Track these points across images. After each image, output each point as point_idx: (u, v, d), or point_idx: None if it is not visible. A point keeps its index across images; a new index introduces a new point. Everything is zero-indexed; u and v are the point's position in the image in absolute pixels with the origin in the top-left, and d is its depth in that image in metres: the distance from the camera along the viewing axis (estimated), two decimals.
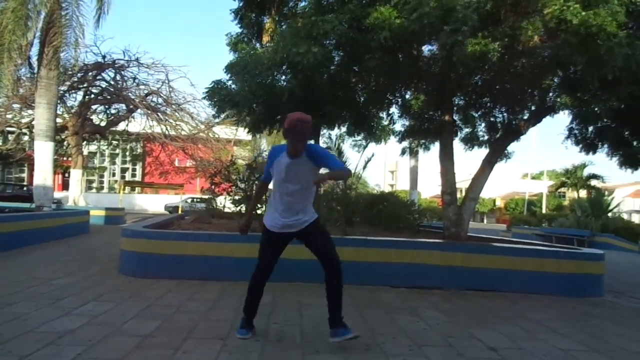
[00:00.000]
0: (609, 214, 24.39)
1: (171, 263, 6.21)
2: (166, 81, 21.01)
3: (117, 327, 3.84)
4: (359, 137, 10.91)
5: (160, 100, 21.44)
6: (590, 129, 8.74)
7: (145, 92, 21.00)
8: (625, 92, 6.26)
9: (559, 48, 5.91)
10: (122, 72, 20.61)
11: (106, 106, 21.85)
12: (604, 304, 6.35)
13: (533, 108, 8.76)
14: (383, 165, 67.51)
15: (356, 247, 6.43)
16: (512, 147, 9.79)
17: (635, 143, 8.39)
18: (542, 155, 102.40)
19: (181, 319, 4.23)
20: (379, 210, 10.53)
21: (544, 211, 40.83)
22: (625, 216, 34.44)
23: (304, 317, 4.48)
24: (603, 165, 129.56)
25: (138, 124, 22.45)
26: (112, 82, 20.62)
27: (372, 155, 10.06)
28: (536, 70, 7.20)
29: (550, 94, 8.13)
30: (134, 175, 40.88)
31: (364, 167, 12.36)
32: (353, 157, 23.35)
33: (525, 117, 8.82)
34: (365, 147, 11.55)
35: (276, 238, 3.71)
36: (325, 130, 10.32)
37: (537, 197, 48.14)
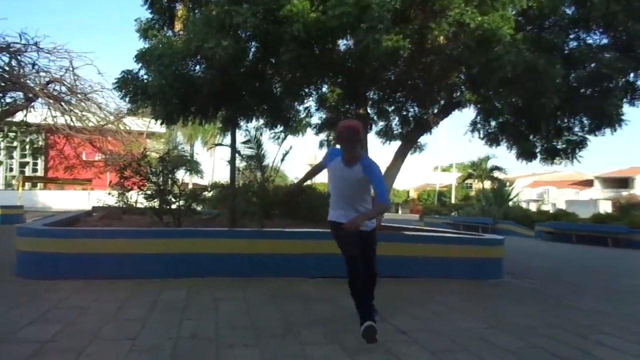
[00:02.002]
0: (510, 203, 26.40)
1: (77, 262, 5.81)
2: (70, 68, 19.53)
3: (11, 334, 3.53)
4: (277, 130, 10.87)
5: (64, 89, 19.91)
6: (493, 123, 9.37)
7: (47, 79, 19.40)
8: (522, 90, 6.78)
9: (460, 49, 6.27)
10: (19, 57, 18.87)
11: (0, 94, 19.94)
12: (503, 285, 6.86)
13: (442, 103, 9.22)
14: (302, 158, 67.88)
15: (273, 239, 6.43)
16: (424, 140, 10.27)
17: (531, 137, 9.10)
18: (452, 149, 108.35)
19: (87, 321, 3.99)
20: (297, 202, 10.57)
21: (453, 201, 43.24)
22: (524, 205, 37.35)
23: (219, 312, 4.40)
24: (505, 158, 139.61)
25: (39, 114, 20.70)
26: (6, 68, 18.82)
27: (290, 148, 10.03)
28: (443, 68, 7.57)
29: (457, 90, 8.60)
30: (35, 170, 37.84)
31: (282, 160, 12.32)
32: (271, 150, 23.14)
33: (435, 112, 9.27)
34: (283, 139, 11.52)
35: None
36: (243, 123, 10.17)
37: (447, 188, 50.85)
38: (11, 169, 37.82)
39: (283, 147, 9.62)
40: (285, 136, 10.62)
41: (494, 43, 5.83)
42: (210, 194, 10.54)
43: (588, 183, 50.82)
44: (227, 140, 13.45)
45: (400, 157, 8.68)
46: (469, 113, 9.23)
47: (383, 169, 9.55)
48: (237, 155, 9.17)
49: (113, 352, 3.22)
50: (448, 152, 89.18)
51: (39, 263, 5.91)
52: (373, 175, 3.70)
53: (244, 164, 10.44)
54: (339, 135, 3.70)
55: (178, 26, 8.00)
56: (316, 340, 3.67)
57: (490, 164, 42.90)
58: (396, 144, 9.80)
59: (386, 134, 10.34)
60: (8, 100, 20.12)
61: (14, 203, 20.22)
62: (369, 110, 9.40)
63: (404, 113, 9.90)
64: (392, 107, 9.96)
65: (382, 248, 6.69)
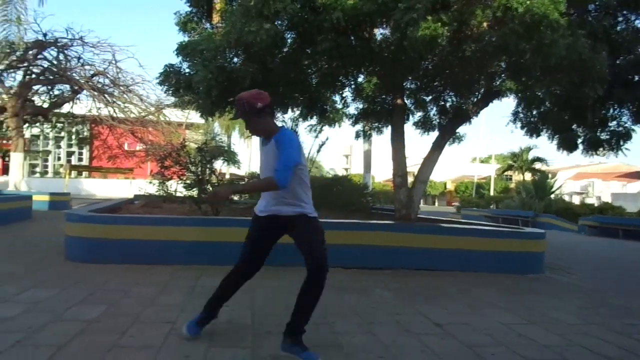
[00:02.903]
0: (552, 196, 25.61)
1: (119, 248, 6.03)
2: (113, 61, 20.13)
3: (60, 313, 3.71)
4: (313, 121, 10.90)
5: (107, 81, 20.56)
6: (534, 112, 9.10)
7: (91, 72, 20.07)
8: (565, 79, 6.54)
9: (507, 36, 6.09)
10: (66, 51, 19.57)
11: (49, 87, 20.73)
12: (543, 280, 6.68)
13: (481, 92, 9.01)
14: (337, 149, 67.85)
15: None
16: (463, 130, 10.06)
17: (574, 127, 8.80)
18: (491, 139, 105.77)
19: (128, 303, 4.14)
20: (333, 193, 10.60)
21: (491, 193, 42.35)
22: (566, 198, 36.26)
23: (256, 299, 4.48)
24: (547, 148, 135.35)
25: (84, 105, 21.46)
26: (54, 62, 19.56)
27: (327, 139, 10.10)
28: (484, 56, 7.38)
29: (497, 79, 8.38)
30: (80, 159, 39.32)
31: (318, 151, 12.37)
32: (307, 141, 23.27)
33: (474, 101, 9.08)
34: (319, 130, 11.55)
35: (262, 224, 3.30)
36: (279, 114, 10.24)
37: (486, 180, 49.83)
38: (59, 158, 39.38)
39: (319, 138, 9.66)
40: (322, 127, 10.64)
41: (543, 28, 5.62)
42: None
43: (636, 175, 48.69)
44: None
45: (437, 148, 8.56)
46: (508, 102, 9.01)
47: (419, 160, 9.43)
48: None
49: (153, 334, 3.33)
50: (487, 143, 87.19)
51: (85, 247, 6.17)
52: (281, 146, 3.02)
53: None
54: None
55: (216, 18, 8.11)
56: (350, 330, 3.69)
57: (531, 155, 41.80)
58: (434, 135, 9.67)
59: (424, 125, 10.20)
60: (56, 92, 20.98)
61: (61, 190, 21.04)
62: (406, 101, 9.29)
63: (442, 103, 9.73)
64: (430, 97, 9.81)
65: (417, 240, 6.70)
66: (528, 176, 39.53)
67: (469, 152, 58.30)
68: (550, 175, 29.98)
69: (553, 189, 26.50)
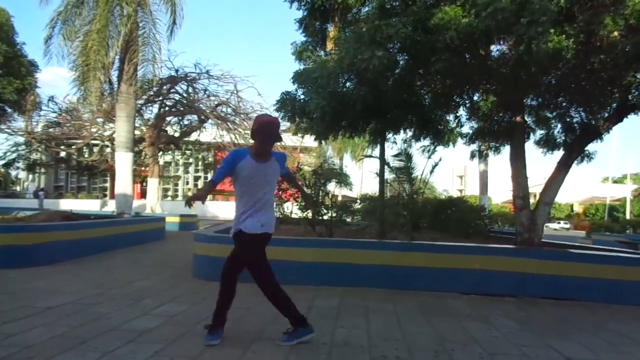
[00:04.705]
0: None
1: None
2: (235, 92, 21.78)
3: (191, 327, 4.02)
4: (426, 141, 10.72)
5: (229, 110, 22.24)
6: None
7: (216, 103, 21.87)
8: None
9: None
10: (194, 85, 21.59)
11: (179, 117, 22.97)
12: None
13: (614, 106, 8.22)
14: (451, 170, 65.98)
15: (423, 252, 6.33)
16: (592, 148, 9.23)
17: None
18: (626, 158, 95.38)
19: (251, 320, 4.36)
20: (447, 215, 10.27)
21: (627, 217, 38.07)
22: None
23: (371, 323, 4.46)
24: None
25: (209, 133, 23.40)
26: (184, 95, 21.65)
27: (440, 160, 9.80)
28: (616, 67, 6.77)
29: (634, 91, 7.60)
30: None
31: (431, 172, 12.09)
32: (420, 162, 22.99)
33: (605, 116, 8.30)
34: (432, 151, 11.30)
35: (262, 239, 3.79)
36: (391, 135, 10.24)
37: (620, 202, 45.01)
38: (187, 182, 43.01)
39: (432, 159, 9.45)
40: (435, 147, 10.42)
41: None
42: (359, 206, 10.77)
43: None
44: (376, 152, 13.65)
45: (563, 167, 7.93)
46: None
47: (541, 180, 8.77)
48: (385, 167, 9.26)
49: (275, 351, 3.47)
50: (621, 162, 78.87)
51: (211, 266, 6.60)
52: (283, 160, 3.80)
53: (392, 176, 10.46)
54: (270, 130, 3.50)
55: (330, 46, 8.42)
56: None
57: None
58: (558, 154, 8.98)
59: (547, 143, 9.52)
60: (185, 122, 23.13)
61: (190, 212, 22.86)
62: (526, 118, 8.78)
63: (568, 119, 9.03)
64: (554, 114, 9.16)
65: (543, 267, 6.21)
66: None
67: (600, 171, 53.10)
68: None
69: None
